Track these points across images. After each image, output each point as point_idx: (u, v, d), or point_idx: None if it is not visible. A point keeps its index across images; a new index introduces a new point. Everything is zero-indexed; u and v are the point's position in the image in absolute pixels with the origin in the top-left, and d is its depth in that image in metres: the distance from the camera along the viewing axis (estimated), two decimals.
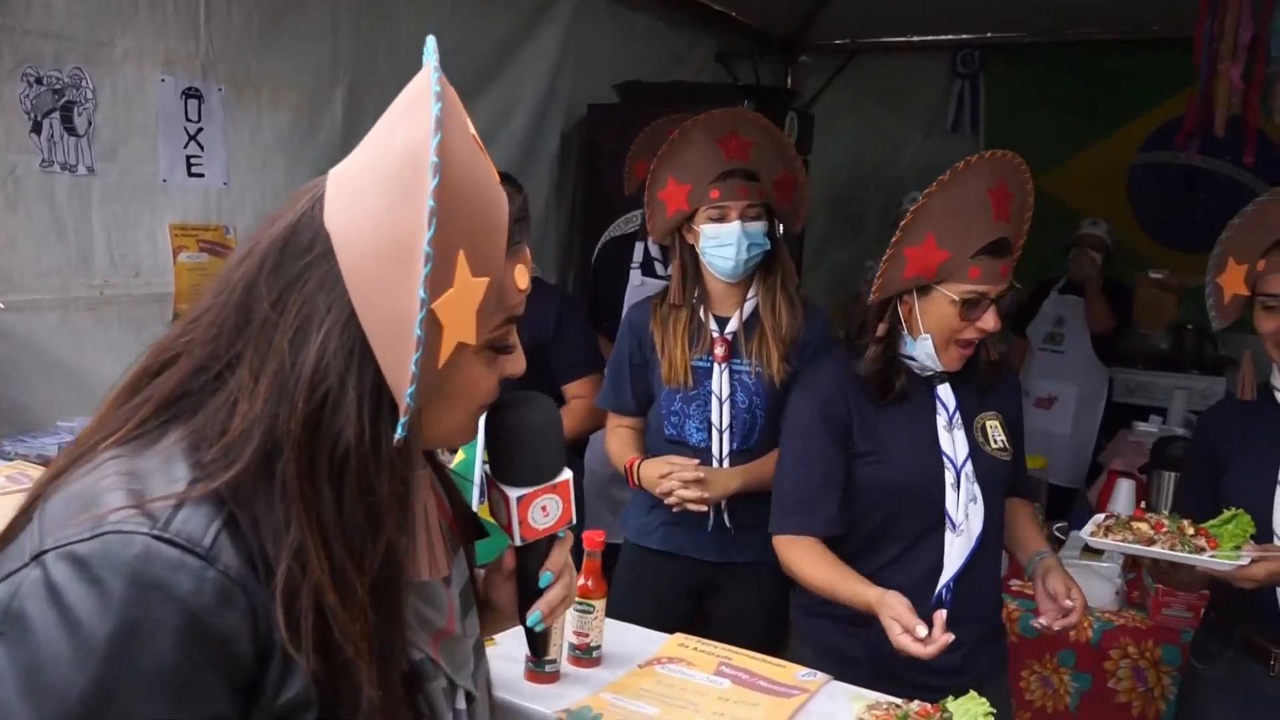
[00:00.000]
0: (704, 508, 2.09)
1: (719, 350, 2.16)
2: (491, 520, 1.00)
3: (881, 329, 1.72)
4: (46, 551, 0.71)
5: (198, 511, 0.74)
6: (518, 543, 0.96)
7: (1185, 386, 4.32)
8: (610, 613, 2.08)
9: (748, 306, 2.18)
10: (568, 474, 0.97)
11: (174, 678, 0.70)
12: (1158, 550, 1.58)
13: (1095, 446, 4.55)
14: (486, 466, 0.99)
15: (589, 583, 1.53)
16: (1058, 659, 2.49)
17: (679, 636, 1.61)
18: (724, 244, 2.10)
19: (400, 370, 0.76)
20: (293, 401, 0.76)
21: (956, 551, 1.70)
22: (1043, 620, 1.73)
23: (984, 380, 1.80)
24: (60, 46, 2.38)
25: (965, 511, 1.72)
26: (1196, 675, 1.90)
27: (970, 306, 1.67)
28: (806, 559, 1.74)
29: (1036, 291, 4.64)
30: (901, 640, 1.50)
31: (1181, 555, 1.59)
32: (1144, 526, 1.61)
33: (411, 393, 0.76)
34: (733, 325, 2.17)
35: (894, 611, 1.54)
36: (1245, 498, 1.76)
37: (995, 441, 1.78)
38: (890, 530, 1.74)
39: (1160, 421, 4.10)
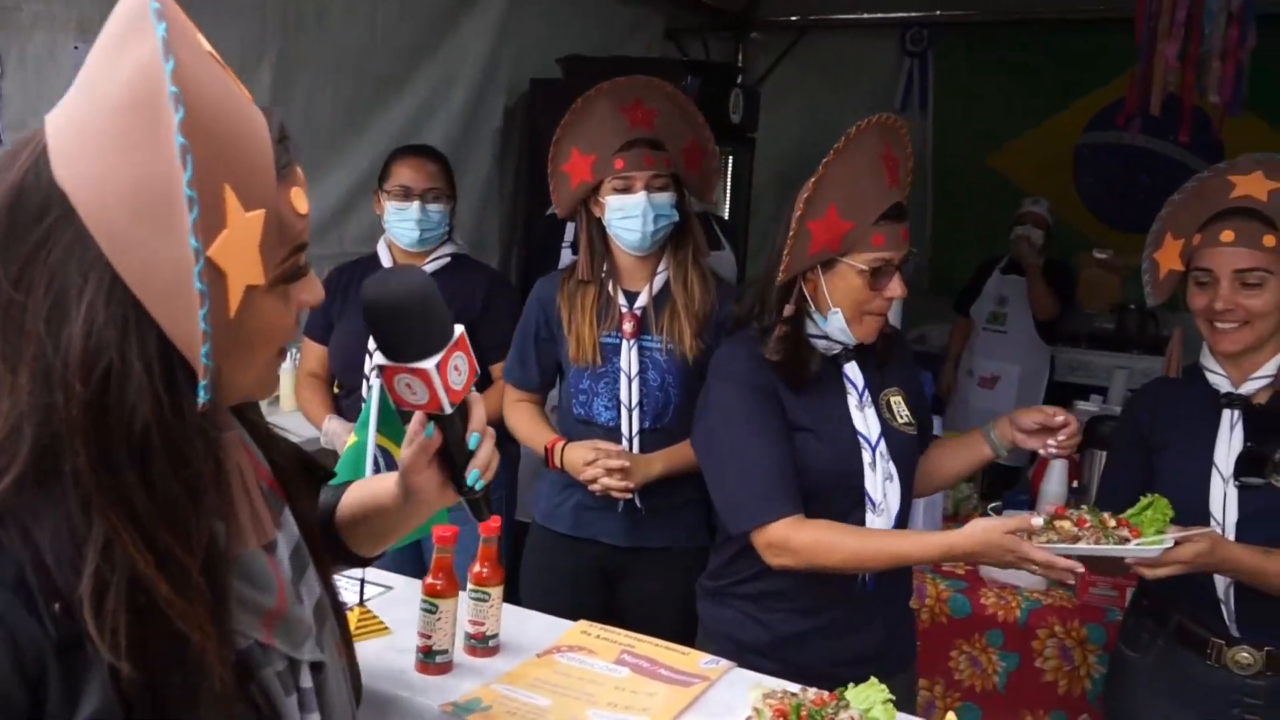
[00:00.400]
0: (629, 495, 2.05)
1: (627, 326, 2.09)
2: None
3: (789, 309, 1.68)
4: None
5: None
6: (448, 409, 0.96)
7: (1126, 366, 4.35)
8: (520, 598, 2.05)
9: (658, 281, 2.12)
10: (459, 328, 0.99)
11: None
12: (1083, 547, 1.56)
13: None
14: (379, 364, 0.97)
15: (484, 570, 1.48)
16: (986, 639, 2.49)
17: (582, 624, 1.57)
18: (629, 216, 2.04)
19: (188, 330, 0.68)
20: (67, 388, 0.67)
21: None
22: (1051, 448, 1.74)
23: (880, 356, 1.78)
24: None
25: (883, 490, 1.69)
26: (1127, 662, 1.88)
27: (878, 275, 1.64)
28: (824, 535, 1.61)
29: (980, 271, 4.65)
30: (1040, 555, 1.50)
31: (1108, 549, 1.57)
32: (1067, 525, 1.58)
33: (206, 351, 0.68)
34: (642, 300, 2.11)
35: (1002, 528, 1.52)
36: (1178, 480, 1.75)
37: (901, 416, 1.77)
38: (812, 513, 1.70)
39: (1101, 400, 4.12)
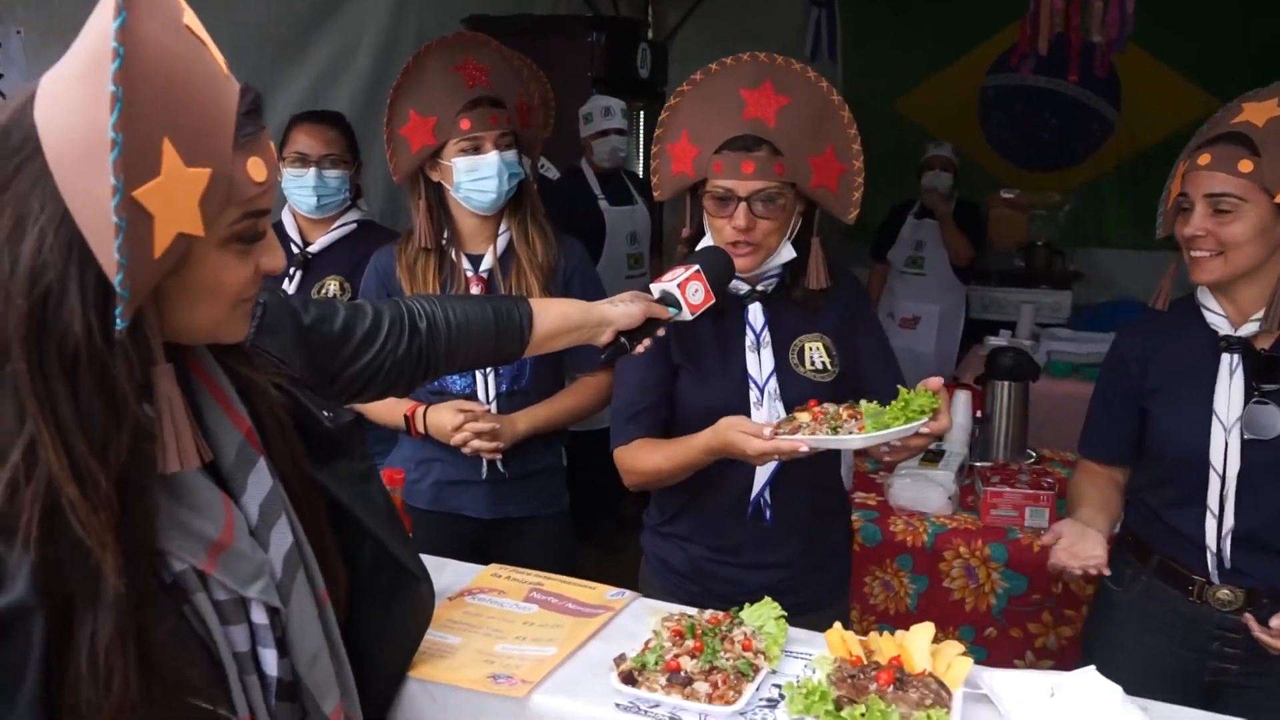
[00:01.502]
0: (499, 456, 2.05)
1: (475, 289, 2.06)
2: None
3: (685, 232, 1.72)
4: None
5: None
6: (688, 315, 1.58)
7: (1032, 301, 4.50)
8: None
9: (501, 241, 2.09)
10: (696, 265, 1.59)
11: None
12: (799, 437, 1.49)
13: (956, 363, 4.74)
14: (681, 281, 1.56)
15: None
16: (897, 563, 2.60)
17: (493, 567, 1.62)
18: (483, 176, 2.00)
19: (110, 260, 0.77)
20: (11, 300, 0.77)
21: (764, 469, 1.73)
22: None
23: (805, 302, 1.76)
24: None
25: None
26: (1110, 596, 1.86)
27: (721, 203, 1.66)
28: (641, 453, 1.73)
29: (893, 216, 4.76)
30: (756, 445, 1.51)
31: (820, 439, 1.49)
32: (804, 416, 1.55)
33: (119, 279, 0.76)
34: (487, 262, 2.08)
35: (737, 426, 1.55)
36: (1175, 430, 1.71)
37: (812, 363, 1.76)
38: None
39: (1010, 335, 4.28)
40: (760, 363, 1.73)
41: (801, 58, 5.36)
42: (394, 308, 1.36)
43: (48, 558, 0.78)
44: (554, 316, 1.49)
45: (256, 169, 0.87)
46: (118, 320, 0.78)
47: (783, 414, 1.70)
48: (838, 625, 1.33)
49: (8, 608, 0.78)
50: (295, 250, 2.48)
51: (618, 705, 1.24)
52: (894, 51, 5.27)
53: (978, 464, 2.86)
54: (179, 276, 0.83)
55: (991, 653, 2.53)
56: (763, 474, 1.74)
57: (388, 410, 2.09)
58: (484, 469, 2.09)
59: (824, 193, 1.70)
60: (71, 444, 0.78)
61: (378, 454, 2.44)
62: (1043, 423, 3.13)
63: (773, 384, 1.72)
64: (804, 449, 1.49)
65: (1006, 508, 2.57)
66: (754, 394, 1.72)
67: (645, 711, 1.23)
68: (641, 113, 4.59)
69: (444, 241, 2.09)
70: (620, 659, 1.29)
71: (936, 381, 1.52)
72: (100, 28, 0.76)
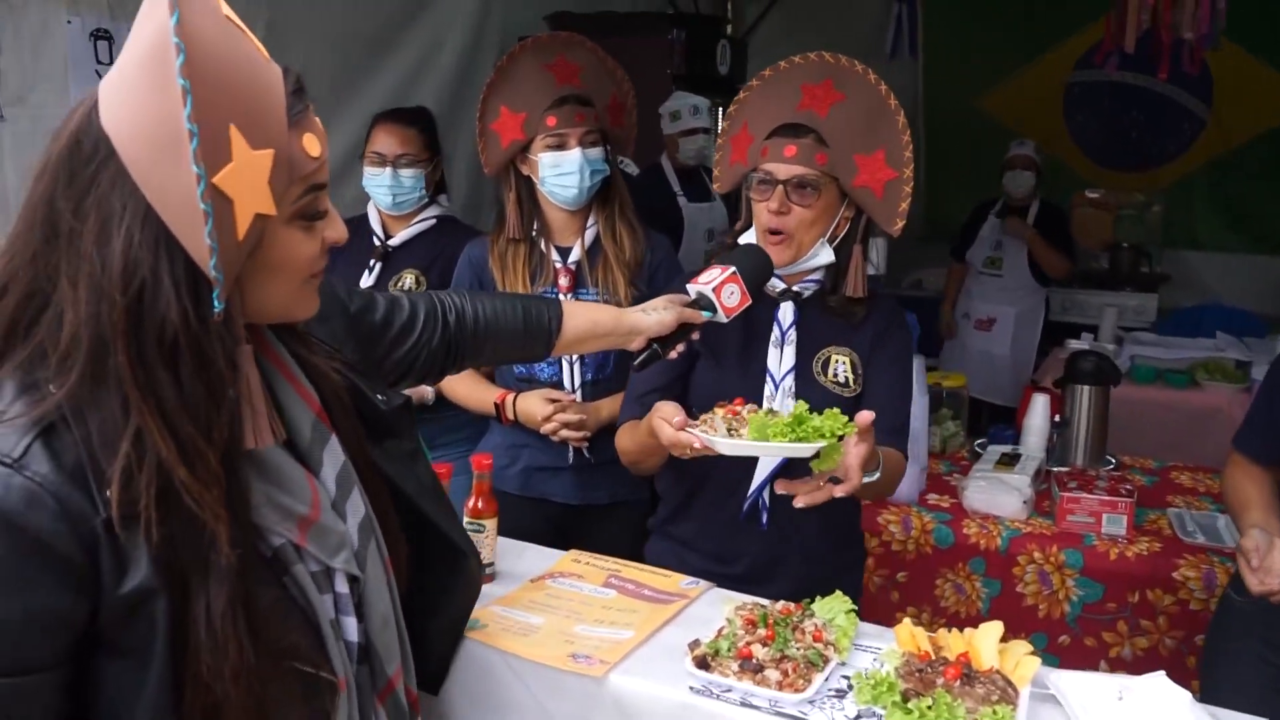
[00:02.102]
0: (585, 443, 2.11)
1: (563, 281, 2.13)
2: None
3: (739, 225, 1.74)
4: None
5: (9, 429, 0.81)
6: (723, 318, 1.57)
7: (1116, 304, 4.41)
8: None
9: (589, 234, 2.16)
10: (733, 267, 1.56)
11: None
12: (697, 434, 1.42)
13: (1035, 366, 4.67)
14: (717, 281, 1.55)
15: (479, 503, 1.58)
16: (970, 567, 2.60)
17: (573, 553, 1.68)
18: (566, 172, 2.07)
19: (199, 247, 0.82)
20: (110, 298, 0.82)
21: (765, 465, 1.71)
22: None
23: (841, 313, 1.73)
24: None
25: None
26: (1233, 607, 1.81)
27: (762, 187, 1.66)
28: (623, 433, 1.77)
29: (974, 215, 4.70)
30: (667, 433, 1.46)
31: (709, 437, 1.41)
32: (720, 412, 1.49)
33: (214, 264, 0.81)
34: (575, 254, 2.15)
35: (660, 411, 1.50)
36: None
37: (835, 375, 1.72)
38: None
39: (1092, 338, 4.20)
40: (781, 358, 1.72)
41: (881, 53, 5.43)
42: (428, 301, 1.44)
43: (164, 538, 0.82)
44: (584, 322, 1.54)
45: (311, 144, 0.91)
46: (215, 303, 0.83)
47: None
48: (907, 621, 1.35)
49: (134, 591, 0.83)
50: (377, 243, 2.57)
51: (691, 689, 1.29)
52: (976, 47, 5.19)
53: (1055, 469, 2.83)
54: (254, 257, 0.87)
55: (1064, 661, 2.51)
56: (761, 471, 1.71)
57: (479, 397, 2.19)
58: (570, 455, 2.16)
59: (867, 195, 1.68)
60: (177, 427, 0.82)
61: (459, 441, 2.53)
62: (1123, 429, 3.08)
63: (790, 381, 1.70)
64: (697, 444, 1.43)
65: (1083, 514, 2.54)
66: (769, 388, 1.71)
67: (717, 695, 1.27)
68: (720, 110, 4.61)
69: (534, 233, 2.16)
70: (694, 644, 1.34)
71: (866, 416, 1.41)
72: (152, 28, 0.80)
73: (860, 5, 5.46)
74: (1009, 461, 2.79)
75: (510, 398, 2.15)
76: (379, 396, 1.14)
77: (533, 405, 2.11)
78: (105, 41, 2.64)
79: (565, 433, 2.08)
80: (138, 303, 0.82)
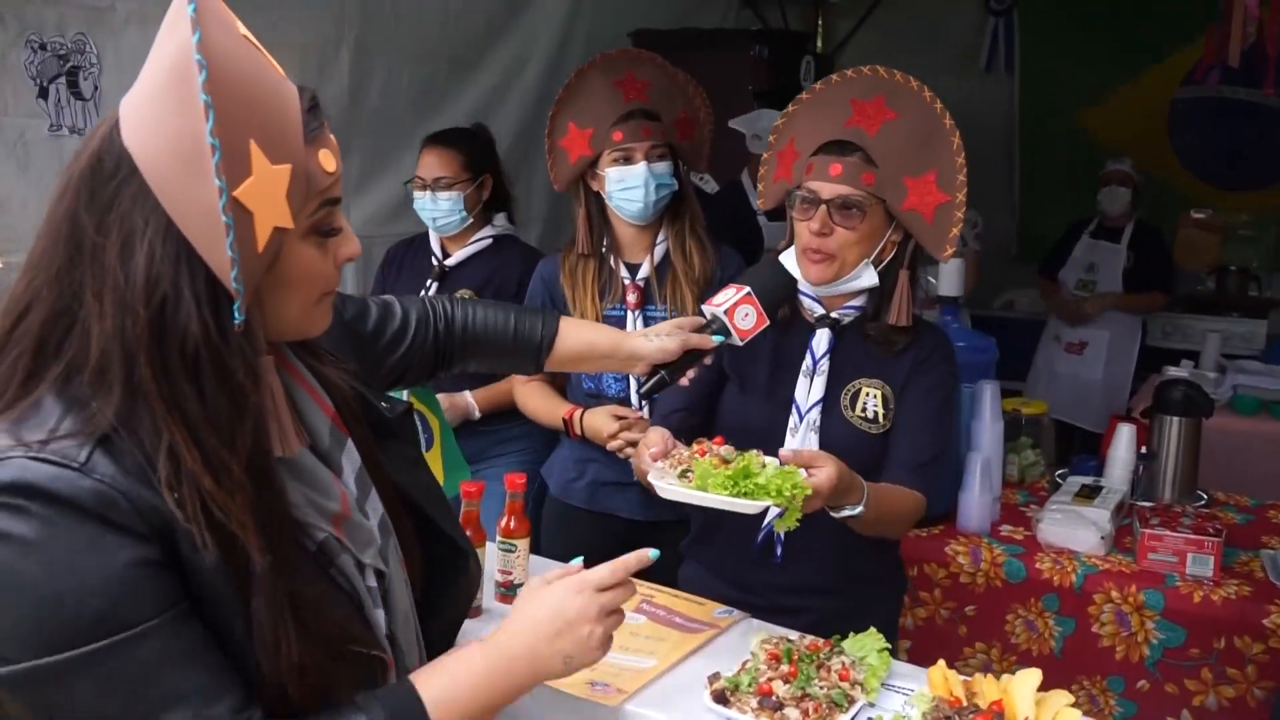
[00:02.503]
0: None
1: (631, 297, 2.13)
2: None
3: (781, 244, 1.69)
4: None
5: (69, 442, 0.83)
6: (738, 340, 1.53)
7: (1219, 330, 4.18)
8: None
9: (658, 251, 2.15)
10: (747, 288, 1.53)
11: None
12: (661, 483, 1.38)
13: (1131, 393, 4.46)
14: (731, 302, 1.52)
15: (511, 523, 1.58)
16: (1042, 603, 2.48)
17: None
18: (631, 186, 2.07)
19: (221, 259, 0.83)
20: (133, 312, 0.84)
21: None
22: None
23: (882, 345, 1.67)
24: (62, 12, 2.46)
25: None
26: None
27: (805, 206, 1.61)
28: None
29: (1069, 234, 4.53)
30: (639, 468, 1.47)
31: (664, 485, 1.38)
32: (685, 451, 1.45)
33: (235, 275, 0.83)
34: (644, 271, 2.15)
35: (646, 439, 1.49)
36: None
37: (863, 410, 1.65)
38: None
39: (1193, 365, 3.99)
40: (810, 389, 1.66)
41: (976, 69, 5.28)
42: (420, 307, 1.46)
43: (221, 547, 0.84)
44: (579, 342, 1.53)
45: (327, 160, 0.92)
46: (235, 314, 0.85)
47: (815, 446, 1.62)
48: (941, 663, 1.29)
49: (210, 571, 0.85)
50: (435, 263, 2.60)
51: None
52: (1075, 63, 5.00)
53: (1139, 503, 2.69)
54: (272, 272, 0.89)
55: (1142, 707, 2.38)
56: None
57: (548, 412, 2.23)
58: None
59: (916, 219, 1.61)
60: (202, 438, 0.84)
61: (507, 455, 2.55)
62: (1221, 463, 2.92)
63: (815, 414, 1.65)
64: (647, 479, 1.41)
65: (1166, 552, 2.40)
66: (793, 419, 1.65)
67: None
68: None
69: (604, 249, 2.17)
70: (714, 677, 1.30)
71: (823, 481, 1.35)
72: (174, 47, 0.82)
73: (955, 20, 5.33)
74: (1089, 494, 2.66)
75: (578, 413, 2.17)
76: (383, 404, 1.16)
77: (599, 421, 2.12)
78: None
79: (630, 450, 2.07)
80: (160, 316, 0.84)
